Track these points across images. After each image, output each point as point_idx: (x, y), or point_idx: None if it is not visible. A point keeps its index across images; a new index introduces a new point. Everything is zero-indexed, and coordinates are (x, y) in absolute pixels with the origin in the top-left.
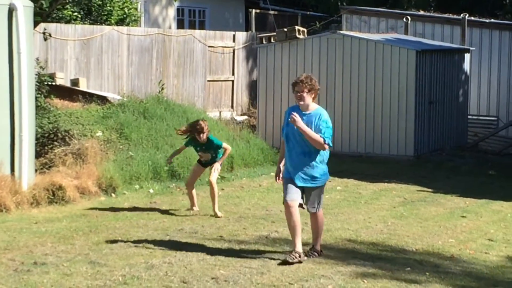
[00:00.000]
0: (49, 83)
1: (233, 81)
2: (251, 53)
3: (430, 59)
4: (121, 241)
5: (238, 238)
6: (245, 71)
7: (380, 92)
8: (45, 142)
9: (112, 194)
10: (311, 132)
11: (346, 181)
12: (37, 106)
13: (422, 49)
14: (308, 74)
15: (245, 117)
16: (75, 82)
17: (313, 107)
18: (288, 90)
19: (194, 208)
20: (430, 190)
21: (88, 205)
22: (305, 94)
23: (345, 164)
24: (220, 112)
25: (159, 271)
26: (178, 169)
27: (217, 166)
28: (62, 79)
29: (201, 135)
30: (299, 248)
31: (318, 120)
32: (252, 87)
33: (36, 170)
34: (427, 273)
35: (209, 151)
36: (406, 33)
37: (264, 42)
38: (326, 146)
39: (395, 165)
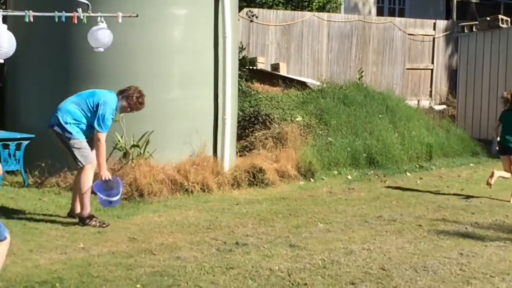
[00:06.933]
0: (251, 67)
1: (432, 69)
2: (451, 41)
3: None
4: (320, 225)
5: (437, 228)
6: (445, 60)
7: None
8: (246, 125)
9: (311, 179)
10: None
11: None
12: (238, 90)
13: None
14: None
15: (444, 106)
16: (275, 67)
17: None
18: (489, 80)
19: None
20: None
21: (287, 188)
22: None
23: None
24: (418, 101)
25: (358, 257)
26: (376, 156)
27: None
28: (263, 64)
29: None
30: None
31: None
32: (452, 76)
33: (237, 153)
34: None
35: None
36: None
37: (465, 30)
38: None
39: None
